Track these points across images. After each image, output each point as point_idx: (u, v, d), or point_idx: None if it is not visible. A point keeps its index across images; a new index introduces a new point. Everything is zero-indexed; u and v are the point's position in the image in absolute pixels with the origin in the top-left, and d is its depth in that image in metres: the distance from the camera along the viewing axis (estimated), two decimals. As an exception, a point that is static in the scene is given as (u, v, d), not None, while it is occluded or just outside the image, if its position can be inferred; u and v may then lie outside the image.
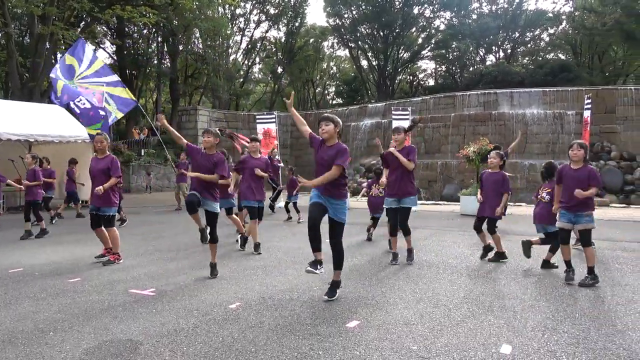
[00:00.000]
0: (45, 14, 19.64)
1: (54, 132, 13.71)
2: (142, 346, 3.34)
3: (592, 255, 4.98)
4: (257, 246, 6.92)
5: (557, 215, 5.25)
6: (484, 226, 6.36)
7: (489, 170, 6.43)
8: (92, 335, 3.57)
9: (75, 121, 15.55)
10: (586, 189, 4.87)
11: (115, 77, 11.02)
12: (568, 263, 5.18)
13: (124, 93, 10.78)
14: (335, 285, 4.53)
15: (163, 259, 6.55)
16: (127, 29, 30.22)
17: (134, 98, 10.77)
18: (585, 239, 5.04)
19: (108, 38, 30.97)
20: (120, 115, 11.07)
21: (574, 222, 5.04)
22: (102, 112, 10.15)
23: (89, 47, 11.28)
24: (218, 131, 5.53)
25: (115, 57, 32.43)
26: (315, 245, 4.39)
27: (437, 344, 3.36)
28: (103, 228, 6.33)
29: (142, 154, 24.34)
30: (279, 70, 42.50)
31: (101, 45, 32.49)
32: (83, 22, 26.31)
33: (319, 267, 4.37)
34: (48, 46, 21.62)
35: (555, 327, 3.69)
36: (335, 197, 4.40)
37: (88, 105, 10.10)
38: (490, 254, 6.39)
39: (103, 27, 29.83)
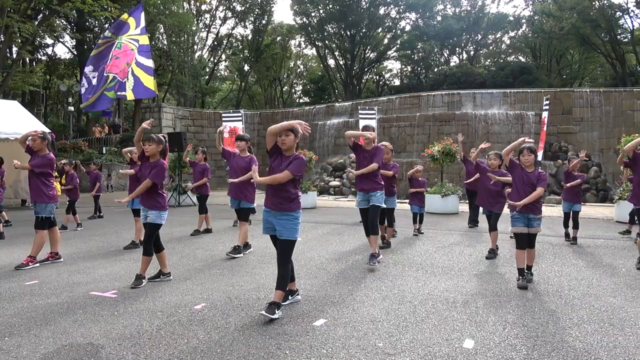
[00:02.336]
0: (0, 5, 18.80)
1: (10, 129, 13.15)
2: (104, 350, 3.25)
3: (534, 256, 5.27)
4: (244, 246, 6.74)
5: (511, 220, 5.17)
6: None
7: (490, 169, 6.59)
8: (51, 340, 3.44)
9: (32, 117, 14.96)
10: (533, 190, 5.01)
11: (150, 63, 9.57)
12: (521, 270, 5.01)
13: (149, 82, 9.38)
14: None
15: (125, 260, 6.38)
16: (87, 23, 29.30)
17: (156, 90, 9.27)
18: (534, 241, 5.16)
19: (68, 32, 29.92)
20: (131, 97, 9.43)
21: (528, 226, 5.04)
22: (100, 93, 8.74)
23: (143, 16, 9.42)
24: (162, 137, 5.18)
25: (75, 52, 31.41)
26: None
27: (402, 340, 3.41)
28: (46, 229, 6.08)
29: (104, 152, 23.66)
30: (246, 68, 42.15)
31: (60, 39, 31.40)
32: (41, 15, 25.32)
33: (276, 310, 3.85)
34: (3, 39, 20.71)
35: (516, 322, 3.81)
36: (284, 209, 3.96)
37: (94, 83, 8.77)
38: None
39: (62, 21, 28.80)
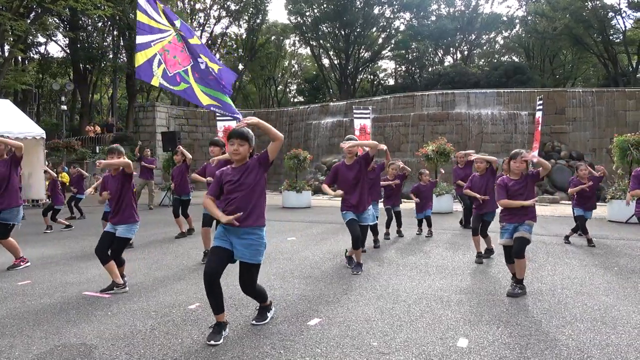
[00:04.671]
0: (-9, 3, 18.65)
1: (1, 127, 13.04)
2: (97, 350, 3.24)
3: (524, 268, 4.59)
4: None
5: (500, 233, 4.84)
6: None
7: (478, 174, 6.34)
8: (44, 340, 3.42)
9: (24, 116, 14.83)
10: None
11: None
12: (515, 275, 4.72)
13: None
14: (264, 309, 3.83)
15: (119, 260, 6.34)
16: (80, 22, 29.14)
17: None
18: (519, 248, 4.55)
19: (60, 30, 29.72)
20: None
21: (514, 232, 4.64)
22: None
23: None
24: (121, 148, 4.93)
25: (68, 51, 31.23)
26: (215, 305, 3.43)
27: (396, 339, 3.42)
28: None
29: (97, 151, 23.53)
30: (240, 67, 42.06)
31: (53, 38, 31.18)
32: (33, 13, 25.13)
33: (223, 332, 3.43)
34: (-6, 37, 20.55)
35: (509, 320, 3.82)
36: (250, 224, 3.40)
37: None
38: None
39: (55, 19, 28.60)
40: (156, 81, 6.33)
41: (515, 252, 4.57)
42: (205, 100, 6.43)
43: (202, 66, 6.43)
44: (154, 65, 6.27)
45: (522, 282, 4.62)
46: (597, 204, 9.16)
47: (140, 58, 6.19)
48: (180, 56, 6.45)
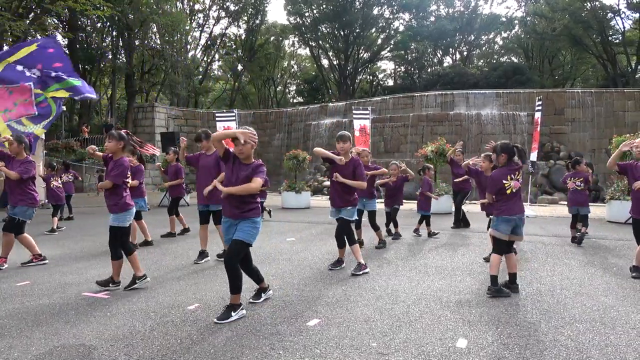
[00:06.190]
0: (-9, 3, 18.63)
1: None
2: (96, 350, 3.23)
3: (515, 262, 4.77)
4: (200, 254, 6.29)
5: (492, 224, 4.74)
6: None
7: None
8: (43, 341, 3.42)
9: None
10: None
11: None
12: (494, 279, 4.56)
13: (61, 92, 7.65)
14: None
15: (118, 260, 6.33)
16: (80, 22, 29.12)
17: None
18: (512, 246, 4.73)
19: (59, 31, 29.69)
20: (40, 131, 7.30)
21: (512, 232, 4.60)
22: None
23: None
24: (123, 133, 4.98)
25: (67, 51, 31.18)
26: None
27: (396, 340, 3.42)
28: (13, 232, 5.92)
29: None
30: (239, 67, 42.06)
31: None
32: (32, 14, 25.11)
33: (232, 312, 3.83)
34: (-7, 38, 20.53)
35: (508, 321, 3.82)
36: (244, 217, 3.87)
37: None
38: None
39: (54, 20, 28.58)
40: (40, 132, 6.98)
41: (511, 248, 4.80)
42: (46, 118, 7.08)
43: (33, 87, 6.94)
44: (20, 128, 6.90)
45: (515, 278, 4.67)
46: (597, 204, 9.17)
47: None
48: (18, 99, 6.96)
